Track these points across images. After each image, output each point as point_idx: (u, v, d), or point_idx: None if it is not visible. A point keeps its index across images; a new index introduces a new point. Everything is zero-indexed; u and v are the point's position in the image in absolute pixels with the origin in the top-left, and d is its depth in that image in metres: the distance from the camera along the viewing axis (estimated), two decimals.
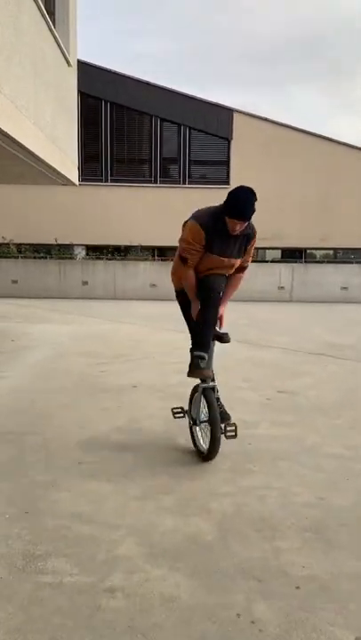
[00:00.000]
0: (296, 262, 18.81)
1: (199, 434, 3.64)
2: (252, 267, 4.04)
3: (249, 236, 3.36)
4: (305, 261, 20.23)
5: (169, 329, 9.52)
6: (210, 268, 3.37)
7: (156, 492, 3.06)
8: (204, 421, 3.53)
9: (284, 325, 10.76)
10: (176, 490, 3.10)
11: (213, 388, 3.49)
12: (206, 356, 3.41)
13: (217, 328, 3.55)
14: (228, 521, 2.75)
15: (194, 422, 3.63)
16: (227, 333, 3.57)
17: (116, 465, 3.44)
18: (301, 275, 16.00)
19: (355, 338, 8.96)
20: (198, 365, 3.37)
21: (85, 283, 15.73)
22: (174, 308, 3.85)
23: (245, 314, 11.62)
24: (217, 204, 3.27)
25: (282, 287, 15.95)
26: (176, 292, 3.65)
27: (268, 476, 3.32)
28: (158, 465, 3.45)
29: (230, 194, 3.10)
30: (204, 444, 3.55)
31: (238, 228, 3.16)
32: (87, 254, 18.91)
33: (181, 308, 3.66)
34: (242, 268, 3.54)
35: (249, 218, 3.14)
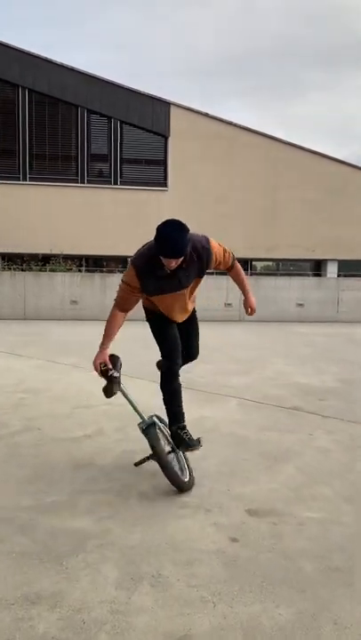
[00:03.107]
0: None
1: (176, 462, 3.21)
2: None
3: (200, 258, 3.02)
4: (251, 274, 18.23)
5: (86, 366, 6.93)
6: (168, 305, 3.19)
7: None
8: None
9: (236, 356, 8.45)
10: None
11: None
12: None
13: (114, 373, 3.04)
14: None
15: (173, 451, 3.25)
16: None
17: None
18: (251, 289, 13.76)
19: (332, 376, 6.74)
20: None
21: None
22: (102, 332, 3.08)
23: None
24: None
25: (229, 304, 13.69)
26: (145, 308, 3.35)
27: None
28: None
29: (159, 231, 2.81)
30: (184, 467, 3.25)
31: (174, 264, 2.88)
32: (4, 264, 15.97)
33: (151, 328, 3.32)
34: (231, 267, 3.28)
35: (181, 255, 2.85)
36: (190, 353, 3.53)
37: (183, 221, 2.87)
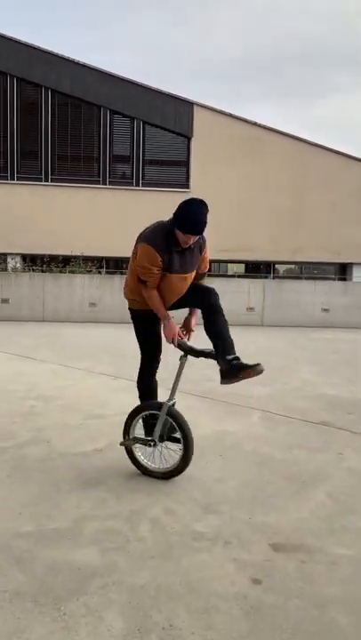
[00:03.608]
0: (267, 278, 16.35)
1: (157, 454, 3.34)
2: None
3: (201, 245, 3.28)
4: (273, 277, 17.83)
5: (102, 372, 6.68)
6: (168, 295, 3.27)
7: None
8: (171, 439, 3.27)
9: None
10: None
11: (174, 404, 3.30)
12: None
13: (186, 341, 3.33)
14: None
15: (157, 441, 3.27)
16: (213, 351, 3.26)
17: None
18: (274, 293, 13.42)
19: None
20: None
21: (5, 301, 12.60)
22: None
23: (205, 344, 8.89)
24: (163, 221, 3.19)
25: (251, 308, 13.30)
26: (130, 310, 3.47)
27: None
28: None
29: (183, 208, 3.02)
30: (159, 462, 3.33)
31: (192, 241, 3.09)
32: (25, 265, 15.89)
33: (136, 330, 3.47)
34: (200, 276, 3.42)
35: (202, 231, 3.07)
36: (204, 294, 3.27)
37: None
